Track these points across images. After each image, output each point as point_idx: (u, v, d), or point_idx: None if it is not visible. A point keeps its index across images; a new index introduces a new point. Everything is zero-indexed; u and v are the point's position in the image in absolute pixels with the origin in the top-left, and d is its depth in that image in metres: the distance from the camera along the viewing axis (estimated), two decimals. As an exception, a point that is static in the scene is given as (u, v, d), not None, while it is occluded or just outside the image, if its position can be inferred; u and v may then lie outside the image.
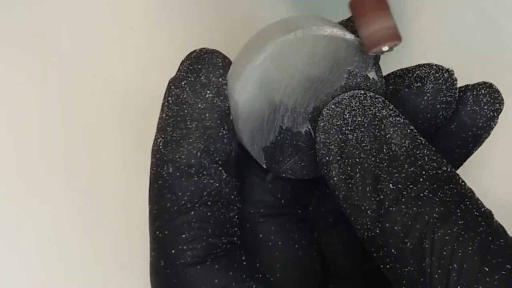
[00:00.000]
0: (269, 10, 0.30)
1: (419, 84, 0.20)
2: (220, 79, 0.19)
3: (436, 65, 0.21)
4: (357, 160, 0.18)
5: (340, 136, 0.19)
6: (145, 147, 0.29)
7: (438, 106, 0.20)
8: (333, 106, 0.19)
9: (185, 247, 0.17)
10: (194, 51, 0.20)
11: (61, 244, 0.28)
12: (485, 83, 0.21)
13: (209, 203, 0.18)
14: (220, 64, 0.20)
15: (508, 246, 0.16)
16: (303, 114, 0.20)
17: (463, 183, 0.18)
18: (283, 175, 0.21)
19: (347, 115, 0.19)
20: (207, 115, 0.19)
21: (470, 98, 0.21)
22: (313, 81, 0.20)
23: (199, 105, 0.19)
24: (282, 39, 0.19)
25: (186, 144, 0.19)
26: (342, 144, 0.19)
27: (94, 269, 0.27)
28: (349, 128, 0.19)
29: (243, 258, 0.18)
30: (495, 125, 0.21)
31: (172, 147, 0.19)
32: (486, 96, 0.21)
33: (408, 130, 0.18)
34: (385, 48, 0.18)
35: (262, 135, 0.20)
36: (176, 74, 0.20)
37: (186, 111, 0.19)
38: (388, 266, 0.17)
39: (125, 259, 0.28)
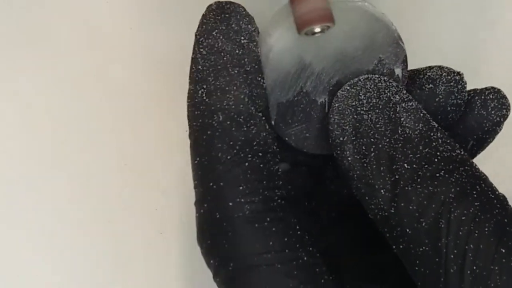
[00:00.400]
0: (270, 11, 0.30)
1: (431, 85, 0.21)
2: (249, 25, 0.19)
3: (446, 67, 0.21)
4: (372, 140, 0.18)
5: (355, 116, 0.19)
6: (145, 147, 0.29)
7: (449, 108, 0.21)
8: (348, 88, 0.20)
9: (242, 200, 0.17)
10: (212, 4, 0.20)
11: (61, 244, 0.27)
12: (493, 88, 0.21)
13: (260, 153, 0.18)
14: (244, 12, 0.20)
15: None
16: (326, 83, 0.20)
17: (477, 167, 0.18)
18: (286, 138, 0.21)
19: (362, 96, 0.19)
20: (246, 60, 0.19)
21: (478, 103, 0.21)
22: (345, 55, 0.20)
23: (237, 51, 0.19)
24: (337, 1, 0.19)
25: (233, 90, 0.18)
26: (357, 124, 0.19)
27: (94, 269, 0.27)
28: (364, 109, 0.19)
29: (297, 227, 0.18)
30: (500, 130, 0.21)
31: (218, 96, 0.18)
32: (494, 101, 0.21)
33: (421, 115, 0.19)
34: (317, 29, 0.18)
35: (282, 89, 0.20)
36: (202, 27, 0.19)
37: (225, 58, 0.19)
38: (401, 247, 0.17)
39: (125, 259, 0.28)
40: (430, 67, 0.21)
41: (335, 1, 0.19)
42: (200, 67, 0.19)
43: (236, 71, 0.18)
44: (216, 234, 0.17)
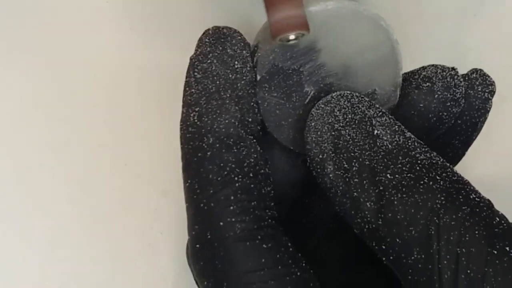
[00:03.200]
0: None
1: (428, 84, 0.21)
2: (244, 51, 0.20)
3: (440, 65, 0.21)
4: (352, 154, 0.18)
5: (333, 133, 0.19)
6: (145, 147, 0.29)
7: (449, 104, 0.21)
8: (322, 106, 0.20)
9: (233, 219, 0.17)
10: (209, 29, 0.20)
11: (61, 244, 0.28)
12: (475, 69, 0.22)
13: (250, 174, 0.18)
14: (240, 38, 0.20)
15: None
16: (320, 78, 0.20)
17: (457, 172, 0.18)
18: (259, 101, 0.20)
19: (338, 112, 0.19)
20: (238, 85, 0.19)
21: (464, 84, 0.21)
22: (350, 66, 0.20)
23: (230, 76, 0.19)
24: (381, 17, 0.20)
25: (224, 113, 0.19)
26: (336, 141, 0.19)
27: (93, 269, 0.27)
28: (341, 125, 0.19)
29: (289, 244, 0.18)
30: (490, 108, 0.22)
31: (209, 118, 0.18)
32: (478, 79, 0.22)
33: (396, 127, 0.19)
34: (292, 37, 0.18)
35: (285, 54, 0.20)
36: (197, 51, 0.20)
37: (218, 82, 0.19)
38: (391, 258, 0.17)
39: (125, 259, 0.28)
40: (424, 67, 0.22)
41: (380, 16, 0.20)
42: (193, 90, 0.19)
43: (228, 95, 0.19)
44: (208, 255, 0.17)
